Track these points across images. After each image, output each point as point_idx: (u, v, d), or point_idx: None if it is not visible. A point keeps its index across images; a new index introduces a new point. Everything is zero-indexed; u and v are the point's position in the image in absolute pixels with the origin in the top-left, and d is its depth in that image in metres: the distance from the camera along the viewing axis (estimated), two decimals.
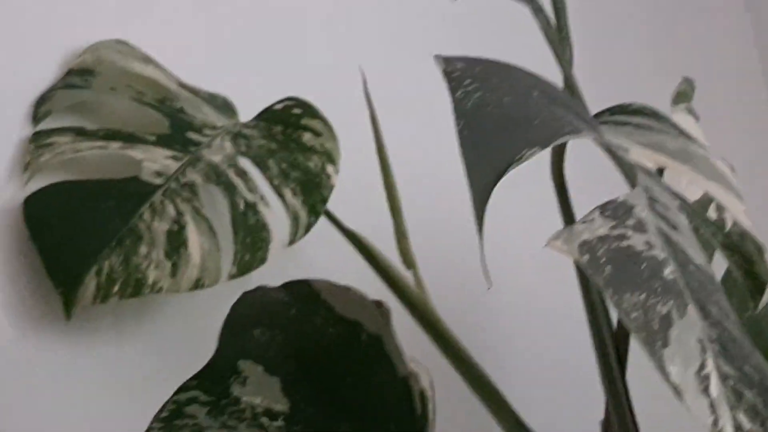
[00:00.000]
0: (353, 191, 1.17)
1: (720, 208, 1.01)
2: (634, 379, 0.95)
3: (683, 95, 1.06)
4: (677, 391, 0.54)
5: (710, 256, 0.93)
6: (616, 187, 1.14)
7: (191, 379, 0.88)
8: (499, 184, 0.59)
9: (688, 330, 0.58)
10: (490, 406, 1.04)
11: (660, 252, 0.61)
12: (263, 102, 1.17)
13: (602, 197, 1.16)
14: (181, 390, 0.88)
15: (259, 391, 0.85)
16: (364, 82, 1.12)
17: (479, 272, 1.28)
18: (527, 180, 0.97)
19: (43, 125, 1.06)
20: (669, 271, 0.61)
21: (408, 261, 1.12)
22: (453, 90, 0.58)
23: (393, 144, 1.12)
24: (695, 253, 0.67)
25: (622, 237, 0.59)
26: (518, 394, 1.07)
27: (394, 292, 1.09)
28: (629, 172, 0.67)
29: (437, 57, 0.59)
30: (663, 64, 1.64)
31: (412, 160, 1.25)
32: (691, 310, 0.60)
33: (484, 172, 0.56)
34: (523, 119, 0.60)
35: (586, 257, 0.56)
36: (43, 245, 0.99)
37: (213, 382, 0.87)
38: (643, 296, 0.57)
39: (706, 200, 1.01)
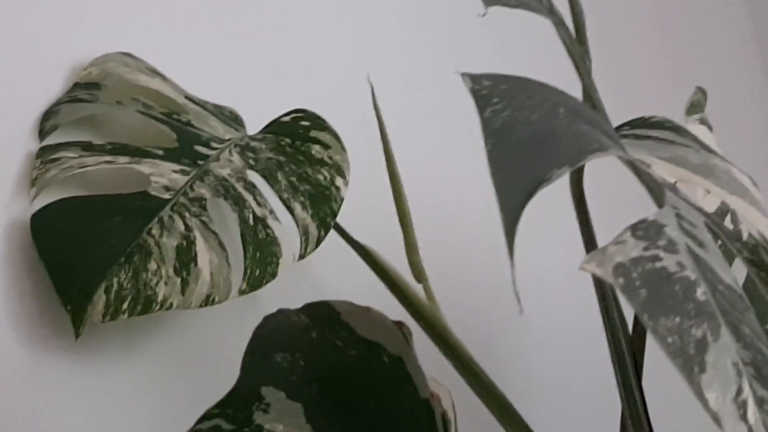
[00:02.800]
0: (362, 203, 1.16)
1: (736, 219, 1.01)
2: (650, 385, 0.94)
3: (697, 105, 1.05)
4: (716, 419, 0.53)
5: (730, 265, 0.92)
6: (629, 200, 1.13)
7: (214, 407, 0.87)
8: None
9: (723, 353, 0.57)
10: (501, 419, 1.03)
11: (691, 273, 0.60)
12: (270, 113, 1.15)
13: (617, 210, 1.15)
14: (204, 418, 0.86)
15: (282, 418, 0.83)
16: (373, 93, 1.11)
17: (490, 285, 1.28)
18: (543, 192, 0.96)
19: (50, 140, 1.05)
20: (701, 292, 0.60)
21: (418, 274, 1.11)
22: (481, 109, 0.57)
23: (402, 155, 1.11)
24: (723, 272, 0.66)
25: (655, 258, 0.58)
26: (530, 406, 1.06)
27: (404, 306, 1.08)
28: (656, 189, 0.66)
29: (464, 75, 0.58)
30: (672, 73, 1.63)
31: (422, 172, 1.24)
32: (725, 332, 0.59)
33: (514, 192, 0.55)
34: (551, 138, 0.59)
35: (621, 280, 0.55)
36: (51, 261, 0.98)
37: (235, 409, 0.85)
38: (677, 320, 0.56)
39: (722, 211, 1.00)
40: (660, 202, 0.66)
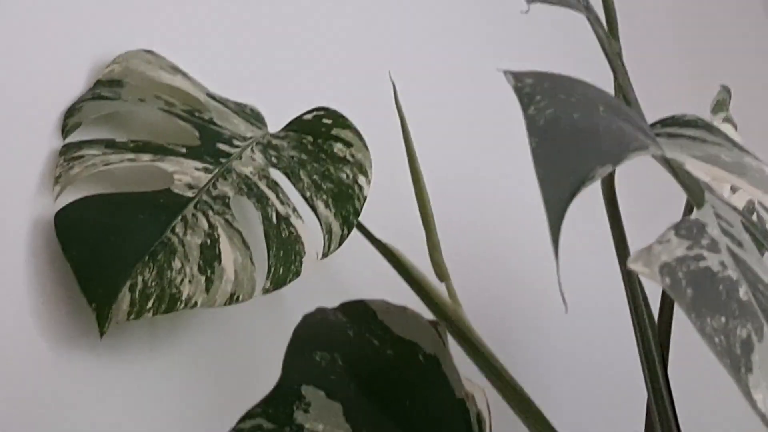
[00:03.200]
0: (384, 201, 1.16)
1: (761, 218, 1.00)
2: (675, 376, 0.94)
3: (721, 104, 1.05)
4: (765, 420, 0.53)
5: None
6: (656, 198, 1.13)
7: (256, 405, 0.86)
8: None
9: None
10: (524, 416, 1.02)
11: (733, 272, 0.60)
12: (291, 110, 1.15)
13: (644, 207, 1.14)
14: (246, 417, 0.86)
15: (322, 417, 0.83)
16: (395, 90, 1.11)
17: (512, 284, 1.27)
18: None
19: (73, 137, 1.05)
20: (743, 292, 0.60)
21: (441, 273, 1.11)
22: (525, 107, 0.56)
23: (424, 153, 1.11)
24: (762, 272, 0.66)
25: (699, 257, 0.58)
26: (554, 403, 1.06)
27: (426, 305, 1.08)
28: (694, 188, 0.66)
29: (506, 73, 0.57)
30: (696, 71, 1.63)
31: (445, 170, 1.24)
32: (767, 332, 0.58)
33: (559, 189, 0.54)
34: (593, 135, 0.58)
35: (667, 280, 0.54)
36: (76, 259, 0.98)
37: (277, 408, 0.85)
38: (723, 319, 0.56)
39: (749, 209, 1.00)
40: (698, 202, 0.65)
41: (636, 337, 0.90)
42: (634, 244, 0.93)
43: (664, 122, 0.82)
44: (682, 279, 0.56)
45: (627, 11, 1.59)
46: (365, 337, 0.85)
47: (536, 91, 0.58)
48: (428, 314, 1.07)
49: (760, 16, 1.79)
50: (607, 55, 0.74)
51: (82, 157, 1.03)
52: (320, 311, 0.86)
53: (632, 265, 0.54)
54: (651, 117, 1.26)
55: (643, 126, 0.67)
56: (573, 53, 1.29)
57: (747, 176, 0.78)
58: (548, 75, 0.60)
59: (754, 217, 0.98)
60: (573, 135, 0.57)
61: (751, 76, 1.71)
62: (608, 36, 0.74)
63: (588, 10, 0.72)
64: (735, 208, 0.73)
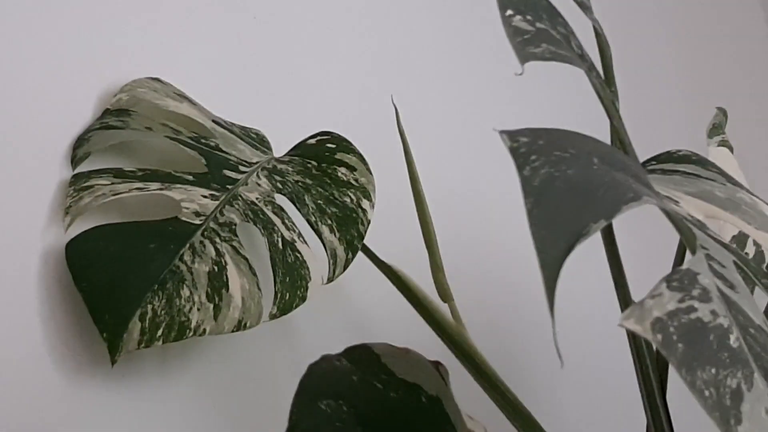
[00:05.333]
0: (387, 223, 1.18)
1: (757, 244, 1.02)
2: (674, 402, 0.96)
3: (718, 127, 1.07)
4: None
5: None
6: (655, 233, 1.15)
7: None
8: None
9: (757, 402, 0.59)
10: None
11: (724, 320, 0.62)
12: (295, 133, 1.17)
13: (643, 239, 1.16)
14: None
15: None
16: (397, 114, 1.13)
17: (515, 304, 1.29)
18: None
19: (82, 167, 1.07)
20: (734, 339, 0.62)
21: (444, 294, 1.13)
22: (520, 167, 0.59)
23: (427, 176, 1.13)
24: (754, 313, 0.68)
25: (690, 309, 0.60)
26: (556, 421, 1.08)
27: (430, 325, 1.10)
28: (688, 234, 0.68)
29: (502, 133, 0.59)
30: (697, 93, 1.65)
31: (447, 192, 1.26)
32: (758, 379, 0.61)
33: (553, 248, 0.57)
34: (587, 191, 0.60)
35: (659, 337, 0.57)
36: (87, 290, 1.00)
37: None
38: (713, 371, 0.58)
39: (743, 236, 1.02)
40: (692, 247, 0.67)
41: (635, 363, 0.92)
42: (633, 271, 0.95)
43: (659, 158, 0.84)
44: (673, 334, 0.58)
45: (628, 31, 1.61)
46: (369, 382, 0.87)
47: (531, 150, 0.60)
48: (432, 334, 1.09)
49: (762, 35, 1.81)
50: (602, 101, 0.76)
51: (91, 187, 1.05)
52: (325, 359, 0.89)
53: (625, 323, 0.57)
54: (653, 135, 1.28)
55: (638, 173, 0.69)
56: (573, 84, 1.31)
57: (740, 212, 0.80)
58: (543, 132, 0.62)
59: (750, 243, 1.00)
60: (567, 193, 0.59)
61: (750, 96, 1.73)
62: (603, 83, 0.76)
63: (582, 59, 0.73)
64: (728, 246, 0.75)
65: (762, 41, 1.80)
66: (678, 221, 0.67)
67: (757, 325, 0.67)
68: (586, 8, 0.78)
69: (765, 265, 1.02)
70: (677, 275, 0.62)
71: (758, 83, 1.76)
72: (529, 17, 0.69)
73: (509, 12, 0.69)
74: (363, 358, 0.88)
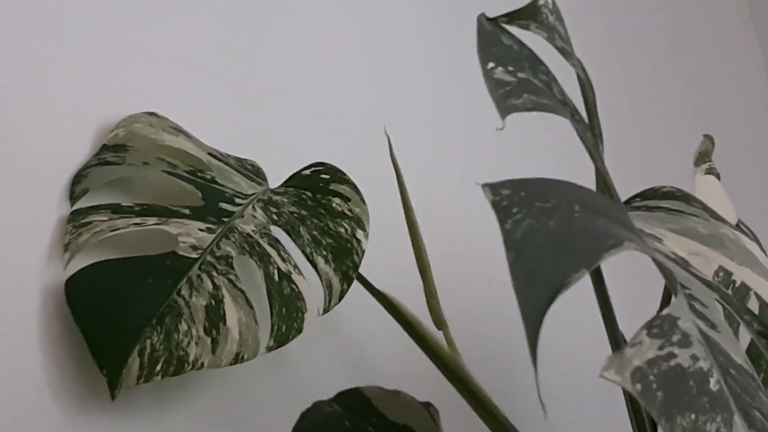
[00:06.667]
0: (382, 251, 1.20)
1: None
2: None
3: (704, 155, 1.08)
4: None
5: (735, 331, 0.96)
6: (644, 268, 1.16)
7: None
8: None
9: None
10: None
11: (704, 362, 0.64)
12: (290, 162, 1.19)
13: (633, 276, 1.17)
14: None
15: None
16: (390, 144, 1.14)
17: (510, 331, 1.31)
18: None
19: (81, 203, 1.09)
20: (714, 382, 0.63)
21: (438, 321, 1.15)
22: (502, 221, 0.60)
23: (420, 204, 1.15)
24: (735, 352, 0.69)
25: (670, 356, 0.62)
26: None
27: (425, 352, 1.12)
28: (670, 278, 0.69)
29: (484, 186, 0.61)
30: (687, 120, 1.66)
31: (440, 221, 1.28)
32: (737, 421, 0.62)
33: (535, 301, 0.58)
34: (568, 242, 0.62)
35: (638, 387, 0.58)
36: (86, 326, 1.02)
37: None
38: (693, 416, 0.60)
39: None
40: (674, 290, 0.69)
41: (627, 404, 0.93)
42: (625, 302, 0.97)
43: (643, 195, 0.85)
44: (653, 382, 0.59)
45: (619, 57, 1.63)
46: (362, 426, 0.89)
47: (513, 203, 0.62)
48: (428, 362, 1.11)
49: (753, 63, 1.82)
50: (585, 145, 0.77)
51: (90, 223, 1.07)
52: (316, 406, 0.90)
53: (605, 374, 0.58)
54: (642, 167, 1.30)
55: (620, 216, 0.70)
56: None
57: (723, 248, 0.81)
58: (525, 183, 0.63)
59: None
60: (548, 245, 0.61)
61: (744, 125, 1.75)
62: (586, 127, 0.78)
63: (565, 105, 0.75)
64: (711, 284, 0.76)
65: (754, 69, 1.82)
66: (660, 263, 0.68)
67: (738, 364, 0.68)
68: (567, 54, 0.80)
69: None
70: (657, 321, 0.64)
71: (749, 111, 1.78)
72: (510, 68, 0.71)
73: (491, 65, 0.71)
74: (354, 403, 0.90)
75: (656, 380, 0.60)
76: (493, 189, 0.61)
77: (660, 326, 0.63)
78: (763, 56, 1.83)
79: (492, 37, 0.74)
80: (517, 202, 0.62)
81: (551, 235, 0.61)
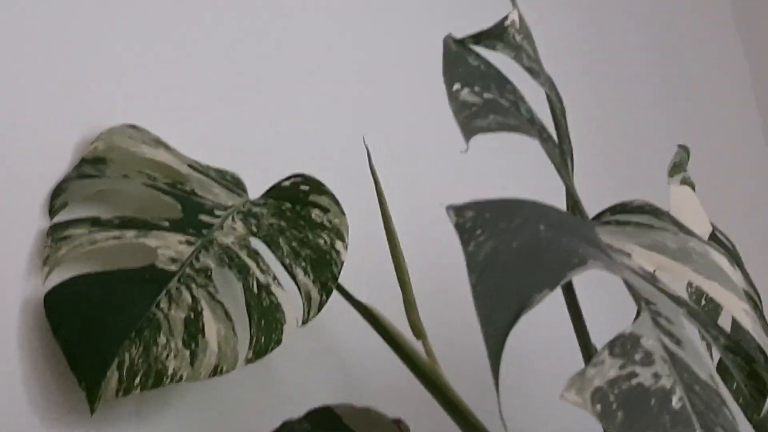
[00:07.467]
0: (361, 262, 1.20)
1: None
2: None
3: (679, 166, 1.09)
4: None
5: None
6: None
7: None
8: None
9: None
10: None
11: (666, 381, 0.65)
12: (268, 173, 1.20)
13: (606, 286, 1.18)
14: None
15: None
16: (369, 155, 1.15)
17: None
18: None
19: (60, 217, 1.09)
20: (676, 400, 0.64)
21: (417, 331, 1.16)
22: (465, 243, 0.61)
23: (399, 215, 1.15)
24: (700, 368, 0.70)
25: (631, 375, 0.62)
26: None
27: (404, 362, 1.12)
28: (636, 295, 0.70)
29: (448, 209, 0.62)
30: (665, 131, 1.67)
31: (419, 231, 1.28)
32: None
33: (497, 323, 0.59)
34: (532, 261, 0.63)
35: (598, 407, 0.59)
36: (65, 340, 1.02)
37: None
38: None
39: None
40: (640, 307, 0.70)
41: None
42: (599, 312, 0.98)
43: (613, 209, 0.86)
44: (613, 402, 0.60)
45: (601, 61, 1.64)
46: None
47: (477, 225, 0.62)
48: (406, 371, 1.12)
49: (740, 71, 1.83)
50: (554, 164, 0.78)
51: (69, 237, 1.07)
52: (286, 426, 0.91)
53: (566, 395, 0.59)
54: (617, 180, 1.31)
55: (587, 234, 0.71)
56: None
57: (691, 262, 0.82)
58: (489, 204, 0.64)
59: None
60: (511, 266, 0.62)
61: (727, 132, 1.76)
62: (553, 146, 0.79)
63: (532, 124, 0.76)
64: (678, 299, 0.77)
65: (734, 78, 1.83)
66: (626, 280, 0.69)
67: (702, 381, 0.69)
68: (535, 73, 0.81)
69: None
70: (620, 340, 0.64)
71: (726, 120, 1.79)
72: (477, 88, 0.72)
73: (456, 87, 0.71)
74: (324, 421, 0.91)
75: (617, 400, 0.60)
76: (457, 211, 0.62)
77: (622, 345, 0.64)
78: (748, 62, 1.84)
79: (458, 58, 0.74)
80: (481, 224, 0.63)
81: (514, 256, 0.62)
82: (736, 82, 1.83)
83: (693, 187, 1.10)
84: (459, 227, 0.61)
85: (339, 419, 0.92)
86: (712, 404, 0.67)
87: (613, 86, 1.70)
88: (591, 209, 0.90)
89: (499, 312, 0.59)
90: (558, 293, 0.94)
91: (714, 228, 1.13)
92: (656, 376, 0.64)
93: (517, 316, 0.60)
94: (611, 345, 0.63)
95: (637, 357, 0.64)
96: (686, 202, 1.06)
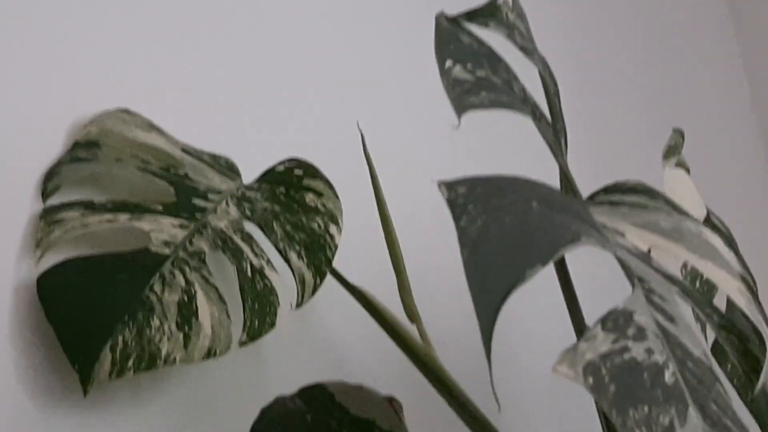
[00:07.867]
0: (356, 246, 1.20)
1: None
2: None
3: (674, 149, 1.09)
4: None
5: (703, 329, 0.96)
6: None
7: None
8: None
9: None
10: None
11: (659, 356, 0.64)
12: (263, 157, 1.19)
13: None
14: None
15: None
16: (363, 139, 1.15)
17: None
18: None
19: (53, 200, 1.09)
20: (669, 375, 0.64)
21: (411, 315, 1.15)
22: (457, 218, 0.61)
23: (393, 199, 1.15)
24: (693, 345, 0.70)
25: (624, 350, 0.62)
26: None
27: (398, 345, 1.12)
28: (629, 274, 0.70)
29: (440, 184, 0.62)
30: (659, 114, 1.67)
31: (413, 215, 1.28)
32: (692, 413, 0.63)
33: (489, 298, 0.59)
34: (524, 237, 0.63)
35: (590, 380, 0.59)
36: (58, 322, 1.02)
37: None
38: (646, 409, 0.60)
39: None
40: (633, 284, 0.70)
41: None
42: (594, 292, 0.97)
43: (607, 190, 0.86)
44: (605, 376, 0.60)
45: (591, 50, 1.64)
46: (323, 420, 0.90)
47: (468, 201, 0.62)
48: (400, 354, 1.12)
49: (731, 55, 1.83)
50: (547, 142, 0.78)
51: (61, 220, 1.07)
52: (278, 401, 0.91)
53: (558, 368, 0.59)
54: (612, 161, 1.31)
55: (580, 211, 0.71)
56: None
57: (684, 242, 0.82)
58: (481, 180, 0.64)
59: None
60: (503, 241, 0.61)
61: (720, 117, 1.76)
62: (547, 124, 0.79)
63: (525, 103, 0.76)
64: (672, 278, 0.77)
65: (727, 62, 1.82)
66: (619, 258, 0.69)
67: (696, 357, 0.69)
68: (528, 52, 0.80)
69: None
70: (612, 315, 0.64)
71: (721, 104, 1.79)
72: (469, 66, 0.72)
73: (448, 64, 0.71)
74: (317, 398, 0.91)
75: (609, 374, 0.60)
76: (449, 187, 0.62)
77: (615, 320, 0.64)
78: (741, 48, 1.84)
79: (450, 36, 0.74)
80: (473, 200, 0.62)
81: (507, 232, 0.62)
82: (729, 67, 1.83)
83: (688, 171, 1.09)
84: (451, 203, 0.61)
85: (332, 396, 0.92)
86: (705, 380, 0.67)
87: (608, 69, 1.69)
88: (585, 191, 0.90)
89: (491, 287, 0.59)
90: (552, 274, 0.94)
91: (709, 212, 1.12)
92: (649, 351, 0.64)
93: (509, 291, 0.59)
94: (604, 320, 0.63)
95: (630, 332, 0.64)
96: (681, 185, 1.06)
